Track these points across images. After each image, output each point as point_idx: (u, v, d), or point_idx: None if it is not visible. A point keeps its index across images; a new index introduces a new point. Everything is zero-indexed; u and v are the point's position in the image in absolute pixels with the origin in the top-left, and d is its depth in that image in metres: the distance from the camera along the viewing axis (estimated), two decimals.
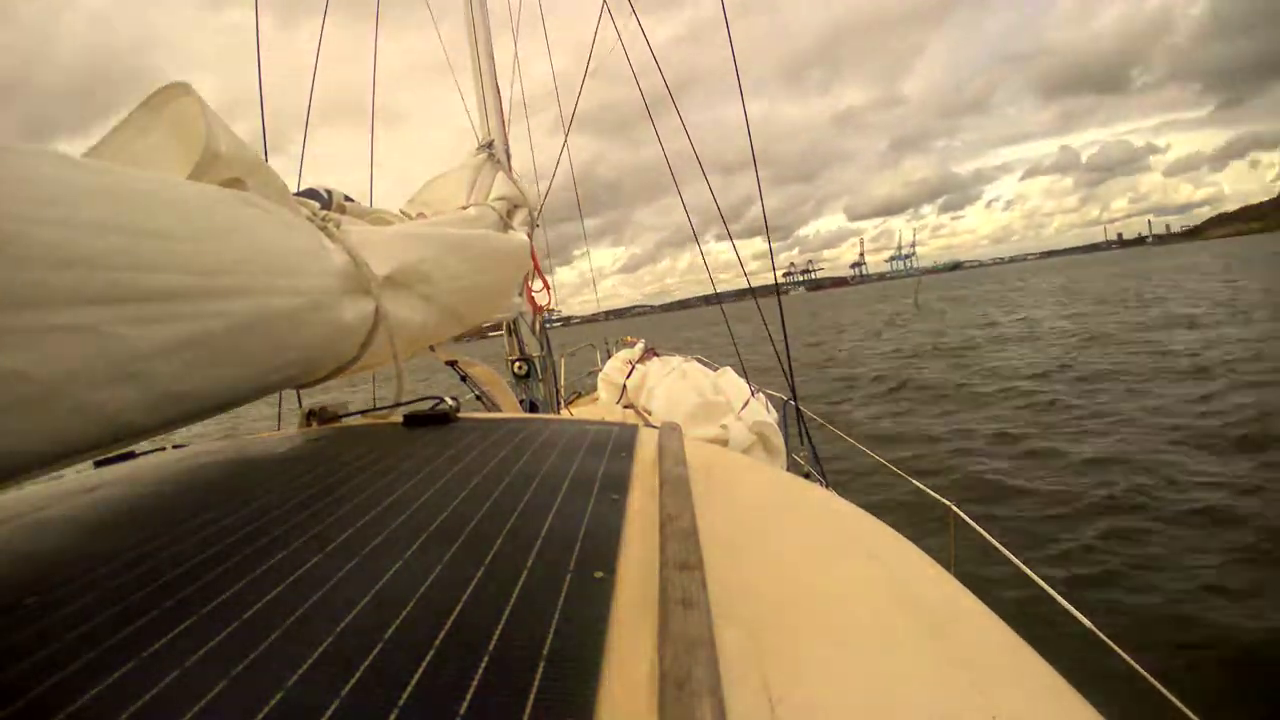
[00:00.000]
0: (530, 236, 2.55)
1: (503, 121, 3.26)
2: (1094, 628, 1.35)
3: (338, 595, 0.42)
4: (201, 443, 1.07)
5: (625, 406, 3.17)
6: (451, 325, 1.37)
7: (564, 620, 0.39)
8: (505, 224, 2.17)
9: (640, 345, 4.10)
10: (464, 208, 2.12)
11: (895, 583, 0.55)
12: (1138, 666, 1.26)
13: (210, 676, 0.33)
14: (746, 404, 2.48)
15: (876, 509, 0.77)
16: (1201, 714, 1.11)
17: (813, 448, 3.32)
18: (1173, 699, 1.18)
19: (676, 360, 3.56)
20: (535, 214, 2.83)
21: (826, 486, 2.59)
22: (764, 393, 3.10)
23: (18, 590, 0.44)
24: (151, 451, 1.04)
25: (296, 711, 0.31)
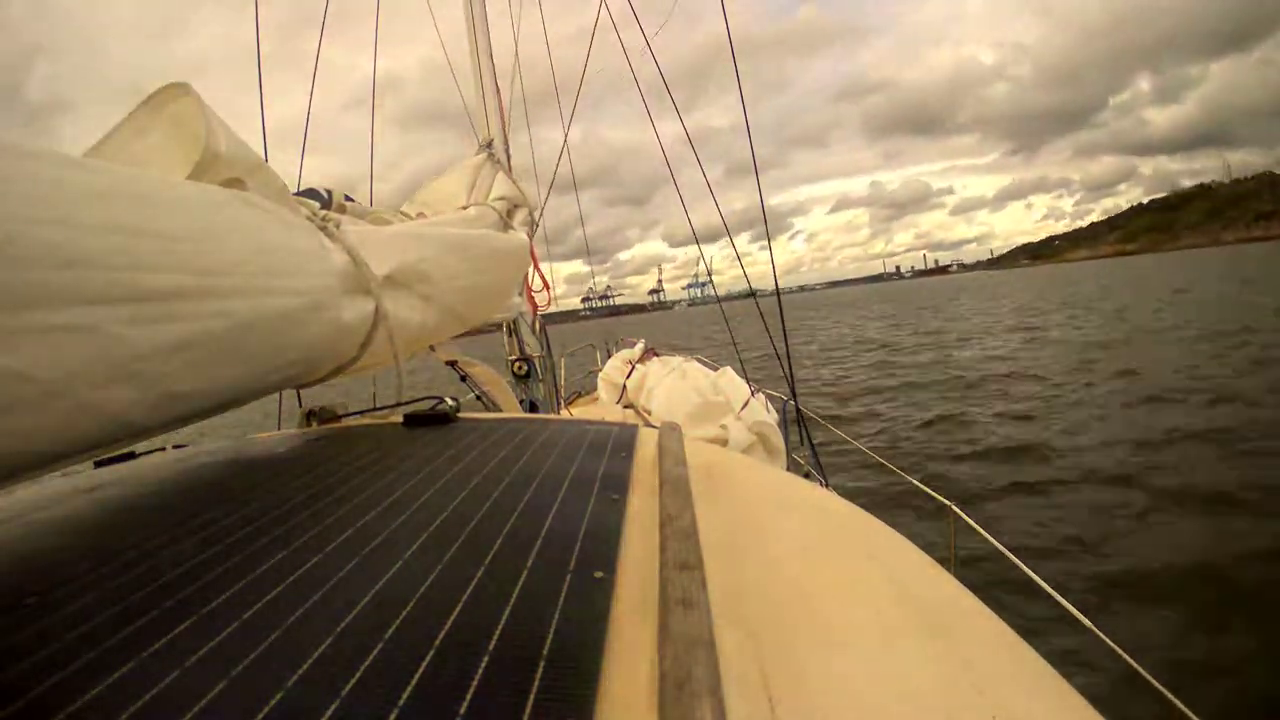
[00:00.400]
0: (530, 236, 2.55)
1: (502, 121, 3.26)
2: (1093, 627, 1.35)
3: (338, 595, 0.42)
4: (201, 443, 1.07)
5: (625, 406, 3.17)
6: (451, 325, 1.37)
7: (564, 620, 0.39)
8: (505, 224, 2.17)
9: (640, 345, 4.11)
10: (464, 208, 2.12)
11: (895, 582, 0.55)
12: (1137, 666, 1.26)
13: (210, 677, 0.33)
14: (746, 404, 2.48)
15: (876, 509, 0.77)
16: (1201, 713, 1.11)
17: (813, 448, 3.32)
18: (1172, 698, 1.18)
19: (676, 360, 3.57)
20: (536, 214, 2.83)
21: (826, 486, 2.59)
22: (764, 393, 3.11)
23: (17, 590, 0.44)
24: (151, 452, 1.04)
25: (297, 711, 0.31)
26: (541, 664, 0.35)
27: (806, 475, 3.10)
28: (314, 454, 0.82)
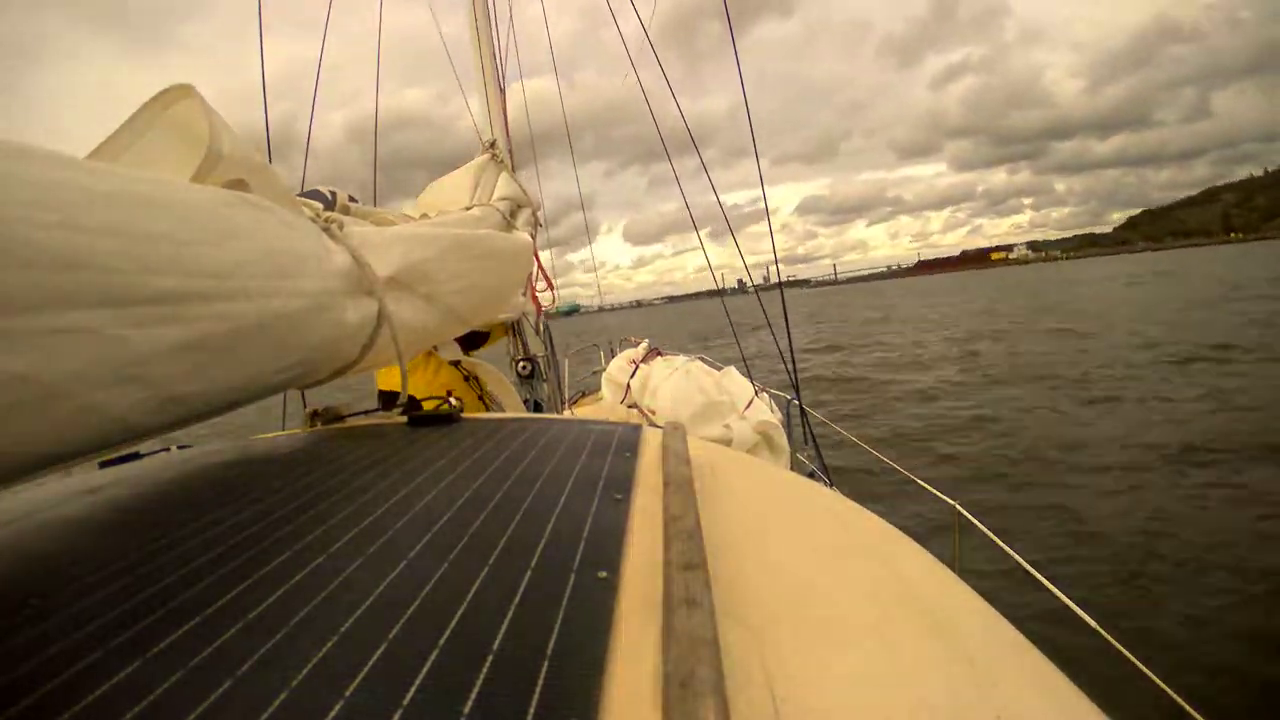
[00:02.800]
0: (534, 237, 2.55)
1: (505, 122, 3.27)
2: (1097, 626, 1.35)
3: (342, 595, 0.42)
4: (205, 443, 1.07)
5: (629, 406, 3.17)
6: (454, 326, 1.37)
7: (568, 620, 0.39)
8: (508, 224, 2.17)
9: (644, 345, 4.10)
10: (467, 208, 2.12)
11: (899, 582, 0.55)
12: (1141, 665, 1.26)
13: (215, 677, 0.33)
14: (750, 403, 2.48)
15: (880, 509, 0.77)
16: (1204, 713, 1.11)
17: (817, 447, 3.32)
18: (1176, 698, 1.17)
19: (680, 360, 3.56)
20: (539, 214, 2.83)
21: (831, 486, 2.59)
22: (768, 392, 3.11)
23: (22, 591, 0.44)
24: (155, 452, 1.04)
25: (301, 711, 0.31)
26: (546, 663, 0.35)
27: (811, 475, 3.09)
28: (318, 454, 0.82)
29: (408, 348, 1.05)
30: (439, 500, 0.61)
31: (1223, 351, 11.52)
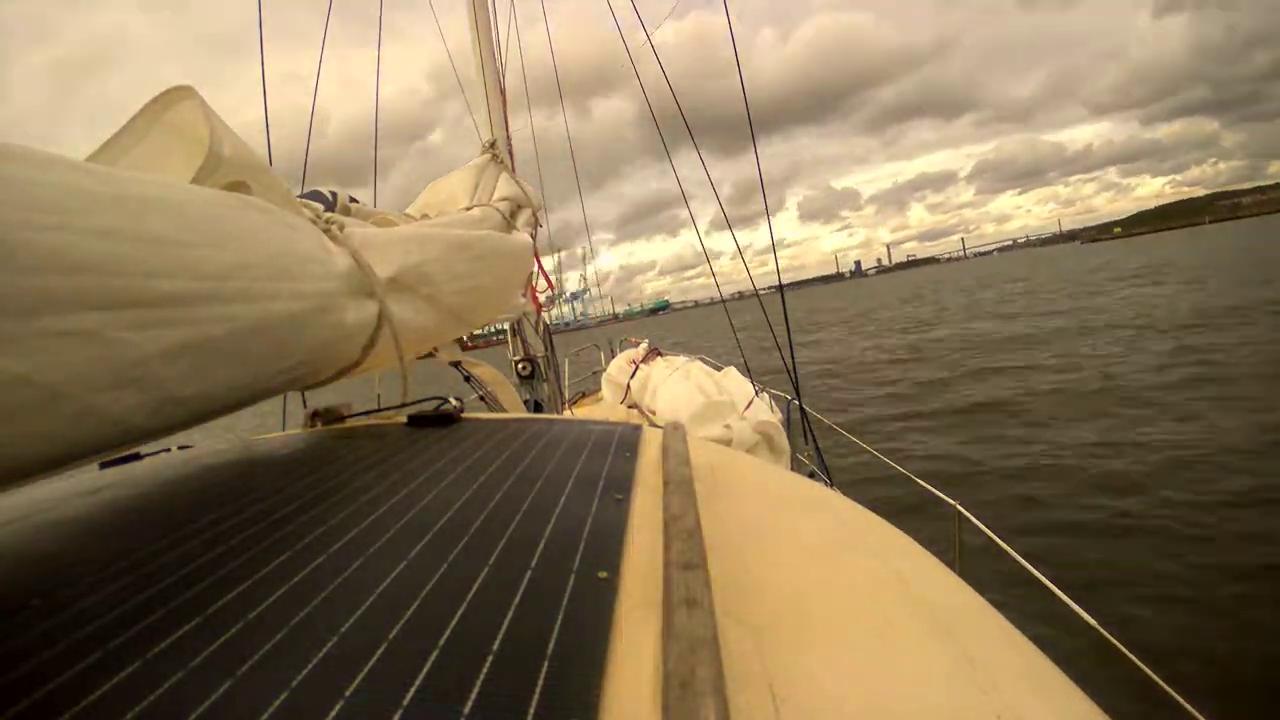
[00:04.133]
0: (534, 237, 2.55)
1: (505, 122, 3.26)
2: (1098, 626, 1.35)
3: (343, 595, 0.42)
4: (206, 444, 1.07)
5: (629, 406, 3.17)
6: (455, 327, 1.37)
7: (568, 620, 0.40)
8: (509, 225, 2.17)
9: (644, 345, 4.11)
10: (467, 209, 2.12)
11: (900, 582, 0.55)
12: (1142, 665, 1.26)
13: (215, 677, 0.33)
14: (751, 404, 2.48)
15: (881, 508, 0.77)
16: (1207, 714, 1.11)
17: (817, 447, 3.32)
18: (1178, 698, 1.17)
19: (680, 360, 3.57)
20: (539, 214, 2.83)
21: (831, 486, 2.59)
22: (768, 392, 3.11)
23: (23, 591, 0.44)
24: (156, 453, 1.04)
25: (301, 711, 0.31)
26: (546, 663, 0.35)
27: (811, 475, 3.09)
28: (318, 455, 0.82)
29: (409, 349, 1.05)
30: (439, 501, 0.61)
31: None
